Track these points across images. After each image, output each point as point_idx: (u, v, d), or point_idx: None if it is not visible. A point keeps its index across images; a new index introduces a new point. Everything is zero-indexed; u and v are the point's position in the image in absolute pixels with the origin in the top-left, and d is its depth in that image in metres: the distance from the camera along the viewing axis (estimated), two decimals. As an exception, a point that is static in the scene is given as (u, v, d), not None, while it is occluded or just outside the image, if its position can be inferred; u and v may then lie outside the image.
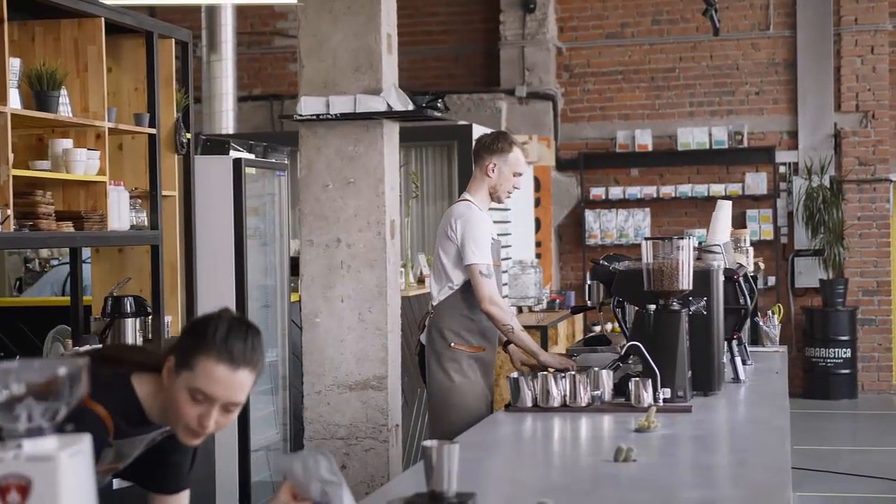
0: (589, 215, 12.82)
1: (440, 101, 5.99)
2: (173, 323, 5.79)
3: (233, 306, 6.22)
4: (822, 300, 12.30)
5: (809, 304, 12.52)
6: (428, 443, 2.75)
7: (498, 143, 5.26)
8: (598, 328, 12.21)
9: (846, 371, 12.16)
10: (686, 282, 4.38)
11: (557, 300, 10.86)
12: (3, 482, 1.72)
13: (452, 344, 5.14)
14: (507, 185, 5.24)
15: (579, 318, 11.11)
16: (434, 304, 5.24)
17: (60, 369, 1.77)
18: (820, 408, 11.77)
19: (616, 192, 12.78)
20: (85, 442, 1.81)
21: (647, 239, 4.45)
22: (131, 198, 5.46)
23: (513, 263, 9.99)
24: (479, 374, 5.18)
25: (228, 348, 2.54)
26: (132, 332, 5.37)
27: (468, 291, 5.13)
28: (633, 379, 4.22)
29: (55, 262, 8.67)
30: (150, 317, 5.52)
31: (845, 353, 12.13)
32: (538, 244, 12.35)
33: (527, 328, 8.92)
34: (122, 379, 2.65)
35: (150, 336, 5.54)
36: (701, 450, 3.64)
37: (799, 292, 12.61)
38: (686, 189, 12.63)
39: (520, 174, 5.29)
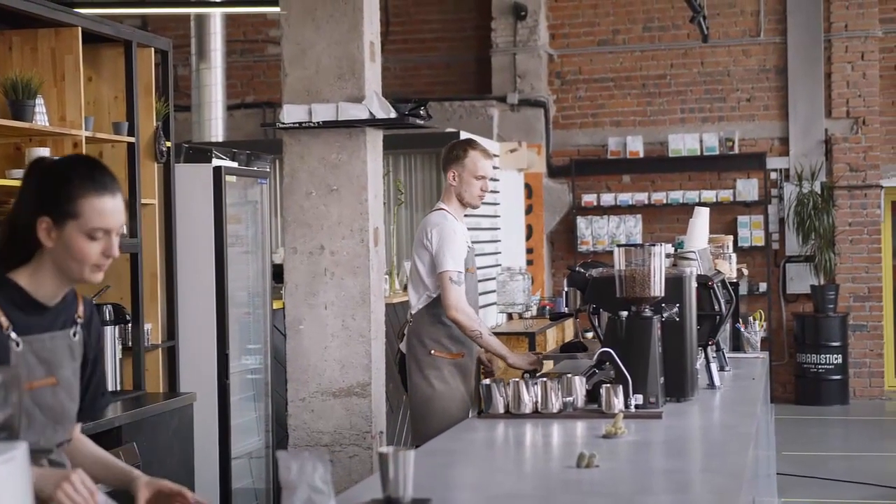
0: (581, 222, 12.84)
1: (423, 108, 6.00)
2: (153, 331, 5.81)
3: (214, 313, 6.25)
4: (814, 306, 12.31)
5: (801, 310, 12.53)
6: (383, 449, 2.77)
7: (453, 151, 5.38)
8: (590, 335, 12.23)
9: (838, 377, 12.17)
10: (658, 288, 4.39)
11: (548, 307, 10.86)
12: (-67, 489, 1.73)
13: (432, 351, 5.23)
14: (473, 190, 5.32)
15: (569, 324, 11.12)
16: (412, 312, 5.32)
17: (-7, 377, 1.79)
18: (811, 414, 11.78)
19: (608, 198, 12.80)
20: (20, 449, 1.83)
21: (619, 246, 4.47)
22: (111, 206, 5.48)
23: (501, 270, 10.00)
24: (459, 380, 5.24)
25: (101, 182, 2.68)
26: (111, 340, 5.39)
27: None
28: (605, 385, 4.23)
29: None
30: (129, 325, 5.53)
31: (837, 358, 12.14)
32: (530, 251, 12.37)
33: (515, 335, 9.01)
34: (1, 281, 2.69)
35: (129, 344, 5.56)
36: (664, 456, 3.66)
37: (790, 298, 12.63)
38: (677, 195, 12.64)
39: (482, 177, 5.34)
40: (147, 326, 5.70)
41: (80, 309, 2.83)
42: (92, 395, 2.89)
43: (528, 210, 12.38)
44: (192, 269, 6.15)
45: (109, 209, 2.68)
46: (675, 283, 4.54)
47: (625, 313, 4.40)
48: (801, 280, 12.48)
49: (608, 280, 4.55)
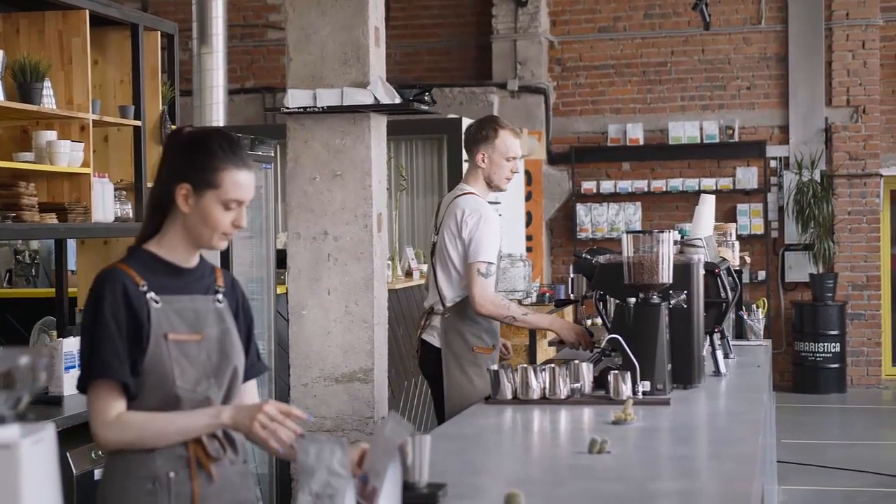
0: (580, 209, 12.84)
1: (427, 94, 5.99)
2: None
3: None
4: (812, 294, 12.33)
5: (799, 298, 12.55)
6: (399, 434, 2.77)
7: (482, 130, 5.14)
8: (588, 322, 12.24)
9: (835, 365, 12.20)
10: (666, 275, 4.39)
11: (548, 294, 10.88)
12: (-37, 469, 1.73)
13: (475, 348, 5.04)
14: (503, 172, 5.12)
15: (569, 311, 11.14)
16: (447, 304, 5.09)
17: (22, 358, 1.79)
18: (809, 402, 11.81)
19: (607, 186, 12.80)
20: (48, 430, 1.83)
21: (627, 232, 4.46)
22: (116, 190, 5.47)
23: (502, 257, 10.00)
24: None
25: (240, 157, 2.84)
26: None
27: None
28: (613, 372, 4.24)
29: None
30: (135, 308, 5.52)
31: (835, 347, 12.17)
32: (529, 238, 12.38)
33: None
34: (132, 250, 2.87)
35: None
36: (675, 442, 3.66)
37: (789, 286, 12.65)
38: (677, 183, 12.65)
39: (513, 158, 5.13)
40: (152, 310, 5.69)
41: (220, 279, 2.96)
42: (249, 362, 3.00)
43: (528, 197, 12.38)
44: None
45: (246, 183, 2.83)
46: (682, 270, 4.53)
47: (633, 300, 4.41)
48: (799, 268, 12.49)
49: (616, 267, 4.54)
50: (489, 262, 4.94)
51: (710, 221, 5.49)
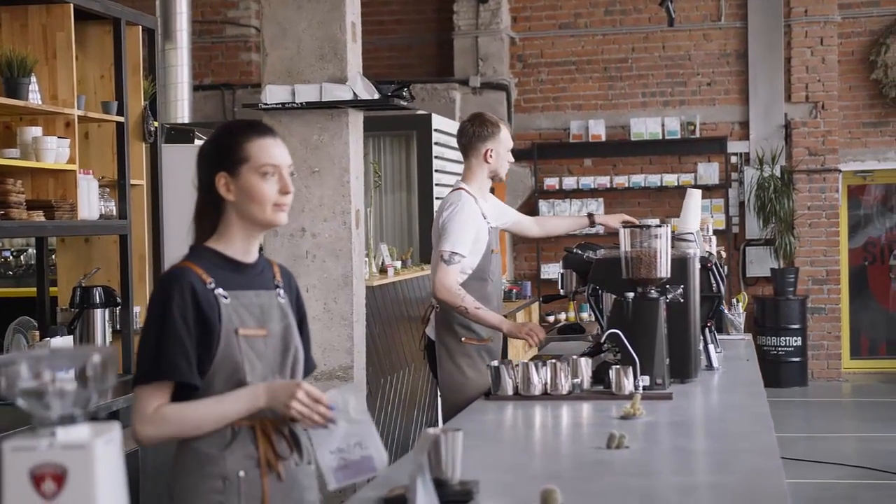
0: (543, 205, 12.86)
1: (406, 90, 5.97)
2: (142, 313, 5.72)
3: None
4: (773, 289, 12.43)
5: (760, 292, 12.66)
6: (432, 430, 2.74)
7: (487, 128, 5.23)
8: (551, 318, 12.27)
9: (797, 359, 12.32)
10: (664, 269, 4.40)
11: (514, 290, 10.90)
12: (38, 471, 1.70)
13: (463, 339, 5.10)
14: (505, 164, 5.30)
15: (535, 307, 11.17)
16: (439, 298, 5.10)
17: (94, 357, 1.75)
18: (771, 395, 11.72)
19: (570, 182, 12.83)
20: (116, 431, 1.79)
21: (625, 226, 4.46)
22: (100, 187, 5.39)
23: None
24: None
25: (257, 128, 2.87)
26: (101, 322, 5.31)
27: (473, 284, 5.07)
28: (614, 367, 4.23)
29: (6, 253, 8.56)
30: (118, 307, 5.45)
31: (796, 341, 12.28)
32: (492, 234, 12.37)
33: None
34: (194, 249, 2.88)
35: (118, 327, 5.48)
36: (687, 436, 3.66)
37: (750, 281, 12.75)
38: (639, 179, 12.70)
39: (510, 148, 5.33)
40: (136, 309, 5.62)
41: (278, 275, 2.95)
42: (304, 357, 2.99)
43: (491, 193, 12.36)
44: (180, 250, 6.04)
45: (272, 147, 2.83)
46: (679, 265, 4.54)
47: (631, 294, 4.40)
48: (760, 263, 12.60)
49: (612, 261, 4.54)
50: (453, 252, 5.00)
51: (697, 216, 5.51)
